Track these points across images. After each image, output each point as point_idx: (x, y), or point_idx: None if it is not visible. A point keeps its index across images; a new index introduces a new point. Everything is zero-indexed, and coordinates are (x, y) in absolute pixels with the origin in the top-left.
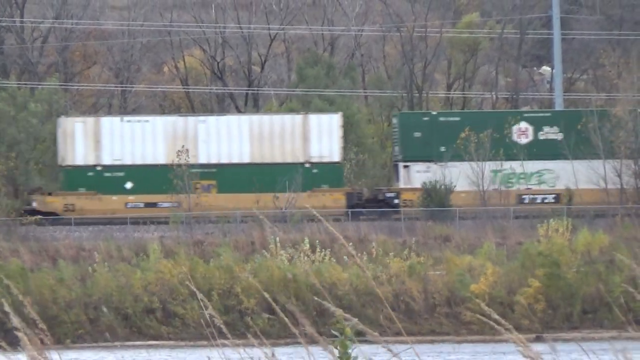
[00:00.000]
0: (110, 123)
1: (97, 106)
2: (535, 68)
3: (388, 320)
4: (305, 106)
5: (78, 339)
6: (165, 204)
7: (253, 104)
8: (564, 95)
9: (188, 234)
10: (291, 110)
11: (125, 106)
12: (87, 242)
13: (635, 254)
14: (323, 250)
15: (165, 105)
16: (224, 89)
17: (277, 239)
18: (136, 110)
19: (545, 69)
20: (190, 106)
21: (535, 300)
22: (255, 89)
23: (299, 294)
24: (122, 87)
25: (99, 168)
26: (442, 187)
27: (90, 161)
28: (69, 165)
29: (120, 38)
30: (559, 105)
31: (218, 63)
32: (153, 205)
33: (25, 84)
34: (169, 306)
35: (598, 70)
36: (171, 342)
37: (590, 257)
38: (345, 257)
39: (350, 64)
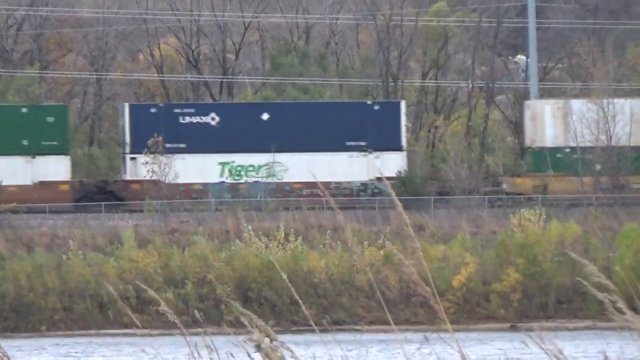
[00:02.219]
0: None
1: (72, 94)
2: (510, 57)
3: (364, 309)
4: (280, 94)
5: (53, 327)
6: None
7: (228, 92)
8: (539, 84)
9: (163, 222)
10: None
11: (101, 94)
12: (62, 229)
13: (608, 244)
14: (297, 238)
15: (140, 93)
16: (199, 77)
17: (250, 227)
18: (111, 98)
19: (521, 57)
20: (166, 94)
21: (512, 290)
22: (230, 77)
23: (272, 283)
24: (97, 75)
25: (567, 150)
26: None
27: (560, 143)
28: (538, 147)
29: (95, 26)
30: (534, 94)
31: (193, 51)
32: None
33: (0, 72)
34: (143, 294)
35: (573, 59)
36: (145, 331)
37: (563, 247)
38: (321, 245)
39: (322, 52)
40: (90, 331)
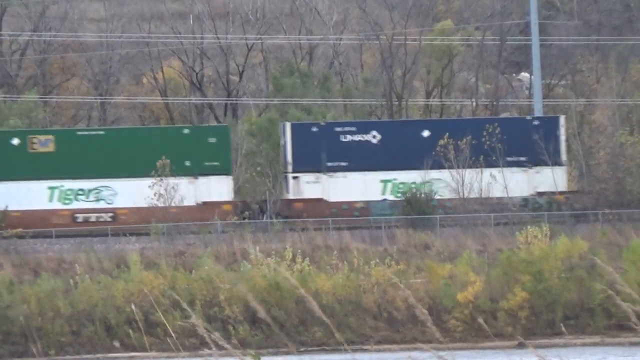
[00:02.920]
0: None
1: (77, 118)
2: (514, 74)
3: (372, 329)
4: (283, 116)
5: (61, 351)
6: None
7: (232, 114)
8: (543, 101)
9: (169, 245)
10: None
11: (105, 118)
12: (68, 254)
13: (614, 260)
14: (304, 259)
15: (145, 117)
16: (203, 100)
17: (258, 248)
18: (115, 122)
19: (524, 75)
20: (170, 117)
21: (519, 307)
22: (234, 99)
23: (281, 303)
24: (101, 99)
25: None
26: (423, 195)
27: None
28: None
29: (98, 50)
30: (538, 112)
31: (197, 74)
32: None
33: (4, 97)
34: (151, 317)
35: (577, 75)
36: (153, 353)
37: (570, 264)
38: (328, 266)
39: (326, 73)
40: (98, 355)
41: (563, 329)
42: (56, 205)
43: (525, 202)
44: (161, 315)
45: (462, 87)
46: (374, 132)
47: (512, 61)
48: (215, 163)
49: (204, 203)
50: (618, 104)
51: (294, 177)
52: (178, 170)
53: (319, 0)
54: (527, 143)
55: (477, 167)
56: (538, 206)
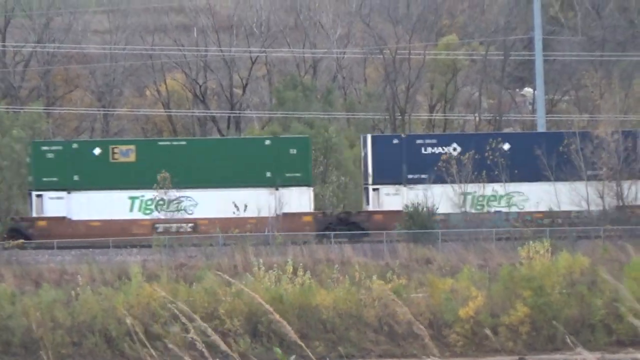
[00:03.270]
0: None
1: (80, 130)
2: (517, 89)
3: (372, 343)
4: (285, 129)
5: None
6: None
7: (235, 127)
8: (547, 117)
9: (171, 257)
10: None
11: (108, 130)
12: (70, 265)
13: (615, 276)
14: (305, 272)
15: (148, 129)
16: (206, 112)
17: (262, 261)
18: (118, 134)
19: (528, 90)
20: (173, 130)
21: (520, 322)
22: (237, 112)
23: (282, 317)
24: (104, 110)
25: None
26: (425, 209)
27: None
28: None
29: (102, 62)
30: (541, 127)
31: (200, 86)
32: None
33: (7, 109)
34: (152, 329)
35: (580, 91)
36: None
37: (571, 279)
38: (329, 280)
39: (329, 86)
40: None
41: (569, 341)
42: (137, 215)
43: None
44: (160, 327)
45: (466, 101)
46: (455, 145)
47: (516, 76)
48: (297, 174)
49: (284, 214)
50: (621, 119)
51: (374, 189)
52: (259, 181)
53: (323, 14)
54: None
55: (552, 181)
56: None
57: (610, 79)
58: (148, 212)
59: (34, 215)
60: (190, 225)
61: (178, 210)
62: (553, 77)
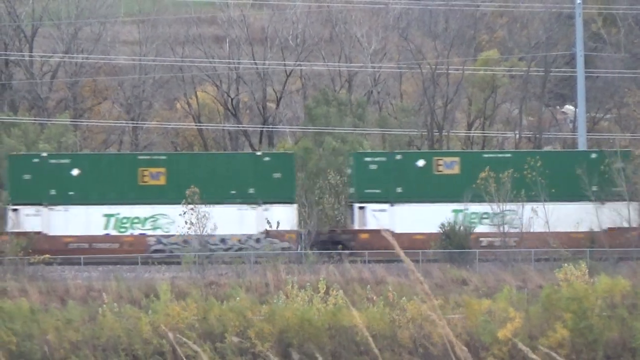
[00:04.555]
0: None
1: (108, 143)
2: (558, 107)
3: None
4: (318, 145)
5: None
6: None
7: (268, 141)
8: (587, 135)
9: (200, 275)
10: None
11: (137, 143)
12: (97, 282)
13: None
14: (337, 292)
15: (178, 143)
16: (238, 127)
17: (296, 279)
18: (147, 148)
19: (569, 107)
20: (203, 144)
21: (559, 345)
22: (270, 126)
23: (314, 338)
24: (133, 123)
25: None
26: (462, 228)
27: None
28: None
29: (131, 73)
30: (582, 145)
31: (232, 99)
32: None
33: (35, 120)
34: (180, 349)
35: (622, 109)
36: None
37: (612, 302)
38: (363, 300)
39: (361, 101)
40: None
41: None
42: None
43: None
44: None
45: (505, 118)
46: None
47: (557, 93)
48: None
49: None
50: None
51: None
52: None
53: (358, 27)
54: None
55: None
56: None
57: None
58: (473, 225)
59: (356, 227)
60: (514, 239)
61: (505, 224)
62: (595, 94)
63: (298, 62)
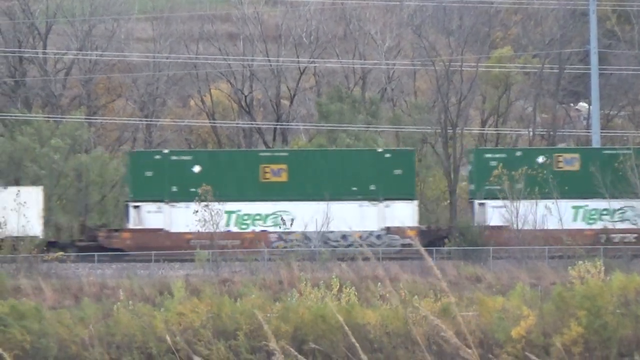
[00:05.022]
0: None
1: (122, 140)
2: (572, 104)
3: None
4: (332, 142)
5: None
6: None
7: (282, 139)
8: (601, 132)
9: (214, 272)
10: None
11: (151, 140)
12: (111, 279)
13: None
14: (350, 289)
15: (192, 140)
16: (252, 124)
17: (309, 276)
18: (161, 145)
19: (583, 105)
20: (217, 141)
21: (573, 343)
22: (284, 123)
23: (327, 335)
24: (147, 121)
25: None
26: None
27: None
28: None
29: (145, 70)
30: (596, 143)
31: (246, 97)
32: None
33: (48, 117)
34: (194, 347)
35: (636, 106)
36: None
37: (626, 299)
38: (376, 297)
39: (373, 98)
40: None
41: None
42: (580, 225)
43: None
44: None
45: (519, 116)
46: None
47: (571, 90)
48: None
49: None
50: None
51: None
52: None
53: (372, 24)
54: None
55: None
56: None
57: None
58: (591, 222)
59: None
60: (634, 236)
61: (622, 220)
62: (609, 91)
63: (312, 60)
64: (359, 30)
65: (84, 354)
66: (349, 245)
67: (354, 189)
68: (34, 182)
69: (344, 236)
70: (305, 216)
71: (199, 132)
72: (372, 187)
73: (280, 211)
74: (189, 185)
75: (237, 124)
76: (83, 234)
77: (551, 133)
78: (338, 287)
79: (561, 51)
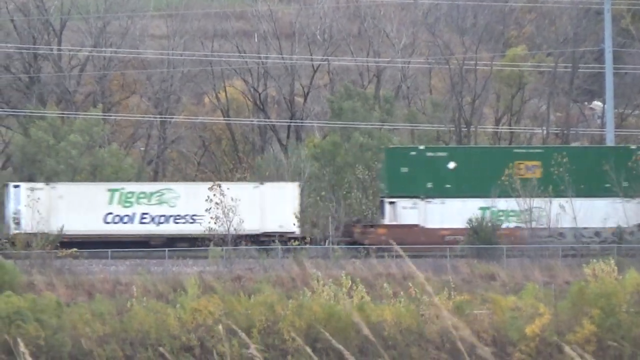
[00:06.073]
0: None
1: (135, 137)
2: (586, 103)
3: None
4: (346, 140)
5: None
6: None
7: (296, 136)
8: (615, 131)
9: (227, 269)
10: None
11: (165, 137)
12: (124, 276)
13: None
14: (362, 287)
15: (205, 137)
16: (266, 121)
17: (320, 274)
18: (176, 142)
19: (597, 103)
20: (232, 138)
21: (586, 341)
22: (299, 121)
23: (340, 333)
24: (161, 117)
25: None
26: (489, 224)
27: None
28: None
29: (159, 67)
30: (610, 141)
31: (260, 94)
32: None
33: (63, 114)
34: (207, 344)
35: None
36: None
37: (639, 297)
38: (389, 295)
39: (387, 96)
40: None
41: None
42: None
43: None
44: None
45: (533, 114)
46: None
47: (585, 89)
48: None
49: None
50: None
51: None
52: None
53: (387, 22)
54: None
55: None
56: None
57: None
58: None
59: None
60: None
61: None
62: (623, 90)
63: (325, 57)
64: (373, 28)
65: (98, 350)
66: (602, 242)
67: (607, 185)
68: (49, 178)
69: (597, 232)
70: (553, 212)
71: (213, 129)
72: (625, 184)
73: (534, 207)
74: (444, 182)
75: (252, 121)
76: (337, 230)
77: (565, 132)
78: (349, 284)
79: (575, 50)
